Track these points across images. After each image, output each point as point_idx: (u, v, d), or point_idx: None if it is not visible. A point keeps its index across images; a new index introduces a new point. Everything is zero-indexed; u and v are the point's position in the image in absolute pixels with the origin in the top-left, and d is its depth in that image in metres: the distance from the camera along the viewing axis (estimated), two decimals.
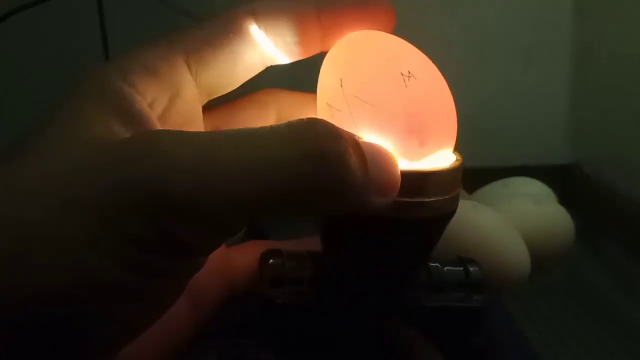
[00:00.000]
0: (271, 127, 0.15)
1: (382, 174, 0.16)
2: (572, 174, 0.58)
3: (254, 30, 0.18)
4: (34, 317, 0.13)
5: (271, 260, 0.21)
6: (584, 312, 0.39)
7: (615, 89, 0.54)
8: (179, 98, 0.17)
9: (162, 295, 0.15)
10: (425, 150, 0.18)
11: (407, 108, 0.17)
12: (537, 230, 0.38)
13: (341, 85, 0.18)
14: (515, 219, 0.37)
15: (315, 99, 0.19)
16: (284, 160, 0.14)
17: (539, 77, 0.59)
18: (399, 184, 0.16)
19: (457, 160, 0.19)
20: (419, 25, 0.56)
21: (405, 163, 0.17)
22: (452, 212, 0.19)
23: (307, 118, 0.15)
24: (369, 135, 0.17)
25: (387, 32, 0.19)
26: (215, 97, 0.19)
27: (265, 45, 0.18)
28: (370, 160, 0.15)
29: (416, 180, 0.17)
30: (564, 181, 0.57)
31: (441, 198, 0.18)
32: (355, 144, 0.15)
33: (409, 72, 0.17)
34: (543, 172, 0.47)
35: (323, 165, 0.14)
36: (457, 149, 0.19)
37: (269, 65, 0.19)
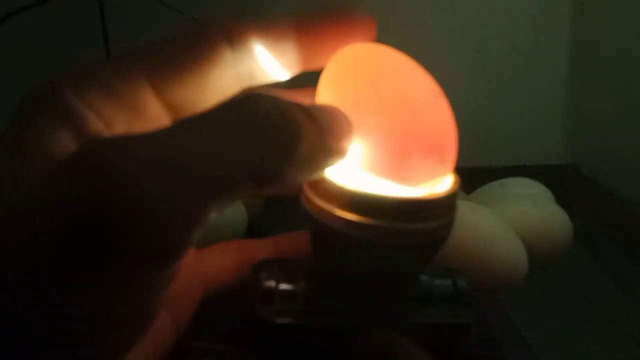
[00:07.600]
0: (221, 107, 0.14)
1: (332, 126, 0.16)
2: (570, 175, 0.59)
3: (228, 52, 0.17)
4: None
5: (264, 274, 0.20)
6: (582, 312, 0.39)
7: (614, 90, 0.54)
8: (140, 117, 0.16)
9: (141, 312, 0.14)
10: (443, 167, 0.17)
11: (438, 123, 0.17)
12: (535, 230, 0.38)
13: (374, 86, 0.17)
14: (513, 220, 0.37)
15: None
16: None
17: (537, 77, 0.59)
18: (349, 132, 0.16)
19: (454, 181, 0.18)
20: (418, 26, 0.56)
21: (404, 190, 0.17)
22: (449, 234, 0.18)
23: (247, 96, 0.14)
24: (393, 141, 0.17)
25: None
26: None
27: (241, 67, 0.17)
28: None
29: (416, 207, 0.17)
30: (562, 182, 0.57)
31: (441, 223, 0.17)
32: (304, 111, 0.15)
33: (437, 91, 0.17)
34: (541, 172, 0.47)
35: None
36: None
37: (246, 86, 0.18)
